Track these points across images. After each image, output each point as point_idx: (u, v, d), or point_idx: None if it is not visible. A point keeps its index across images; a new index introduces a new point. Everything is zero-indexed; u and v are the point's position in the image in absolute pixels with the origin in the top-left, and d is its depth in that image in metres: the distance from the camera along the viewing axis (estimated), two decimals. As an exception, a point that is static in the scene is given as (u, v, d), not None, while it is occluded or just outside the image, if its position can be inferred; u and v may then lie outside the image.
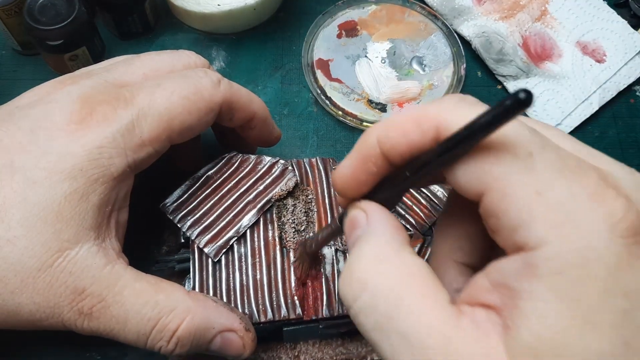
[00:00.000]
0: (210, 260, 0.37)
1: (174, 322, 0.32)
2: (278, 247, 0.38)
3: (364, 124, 0.49)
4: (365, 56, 0.52)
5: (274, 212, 0.39)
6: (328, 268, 0.38)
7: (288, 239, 0.38)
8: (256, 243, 0.38)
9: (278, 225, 0.39)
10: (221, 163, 0.40)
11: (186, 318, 0.32)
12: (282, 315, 0.36)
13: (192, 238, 0.38)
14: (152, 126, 0.33)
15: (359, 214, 0.25)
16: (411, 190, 0.42)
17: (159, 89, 0.34)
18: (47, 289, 0.30)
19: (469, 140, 0.21)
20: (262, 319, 0.36)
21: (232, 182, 0.39)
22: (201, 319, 0.32)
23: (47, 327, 0.32)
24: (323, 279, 0.37)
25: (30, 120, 0.32)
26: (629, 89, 0.54)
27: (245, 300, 0.36)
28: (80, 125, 0.32)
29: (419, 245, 0.39)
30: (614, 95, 0.53)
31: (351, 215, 0.26)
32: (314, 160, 0.43)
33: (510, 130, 0.21)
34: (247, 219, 0.38)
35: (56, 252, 0.30)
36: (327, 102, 0.50)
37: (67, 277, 0.30)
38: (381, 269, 0.23)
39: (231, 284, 0.37)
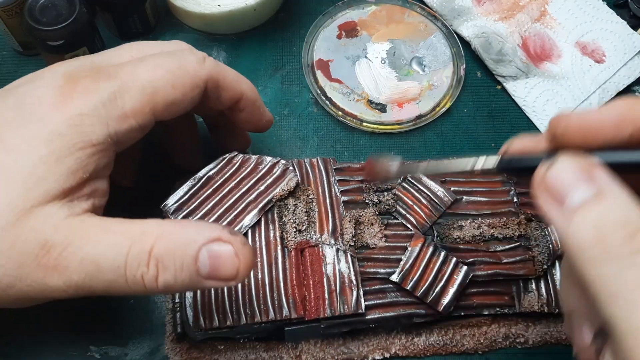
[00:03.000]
0: (211, 260, 0.37)
1: (147, 242, 0.29)
2: (279, 247, 0.38)
3: (364, 124, 0.49)
4: (365, 57, 0.52)
5: (275, 212, 0.39)
6: (329, 268, 0.38)
7: (289, 238, 0.38)
8: (257, 243, 0.38)
9: (279, 225, 0.39)
10: (222, 163, 0.40)
11: (160, 235, 0.30)
12: (283, 315, 0.36)
13: (194, 238, 0.38)
14: (135, 98, 0.33)
15: (584, 167, 0.24)
16: (411, 190, 0.42)
17: (142, 63, 0.34)
18: (11, 249, 0.29)
19: None
20: (264, 319, 0.36)
21: (233, 183, 0.39)
22: (178, 234, 0.30)
23: (20, 297, 0.30)
24: (325, 279, 0.38)
25: (16, 97, 0.32)
26: (629, 89, 0.54)
27: (247, 300, 0.36)
28: (63, 98, 0.32)
29: (419, 245, 0.40)
30: (613, 96, 0.53)
31: (575, 165, 0.25)
32: (314, 160, 0.43)
33: None
34: (248, 219, 0.38)
35: (21, 210, 0.29)
36: (327, 102, 0.50)
37: (29, 234, 0.29)
38: None
39: (233, 284, 0.37)
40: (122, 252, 0.29)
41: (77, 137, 0.31)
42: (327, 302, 0.37)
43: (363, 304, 0.38)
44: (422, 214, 0.41)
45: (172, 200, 0.39)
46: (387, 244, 0.40)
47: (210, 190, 0.39)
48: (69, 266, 0.29)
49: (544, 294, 0.41)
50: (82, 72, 0.33)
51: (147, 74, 0.33)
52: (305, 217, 0.39)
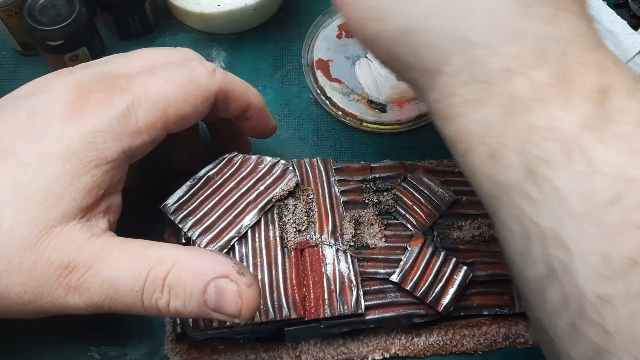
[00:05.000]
0: (211, 260, 0.37)
1: (163, 269, 0.30)
2: (279, 247, 0.38)
3: (364, 124, 0.49)
4: (365, 56, 0.52)
5: (275, 212, 0.39)
6: (329, 268, 0.38)
7: (289, 238, 0.38)
8: (257, 243, 0.38)
9: (279, 225, 0.39)
10: (222, 163, 0.40)
11: (175, 264, 0.31)
12: (283, 315, 0.36)
13: (194, 238, 0.38)
14: (148, 113, 0.33)
15: None
16: (411, 190, 0.42)
17: (154, 77, 0.34)
18: (32, 268, 0.30)
19: None
20: (264, 319, 0.36)
21: (233, 183, 0.39)
22: (191, 264, 0.31)
23: (39, 312, 0.31)
24: (324, 279, 0.38)
25: (26, 109, 0.32)
26: (628, 89, 0.54)
27: (247, 300, 0.36)
28: (76, 113, 0.32)
29: (419, 245, 0.40)
30: (613, 95, 0.53)
31: None
32: (314, 160, 0.43)
33: None
34: (248, 219, 0.38)
35: (42, 231, 0.30)
36: (327, 102, 0.50)
37: (51, 254, 0.30)
38: None
39: (232, 284, 0.37)
40: (141, 279, 0.30)
41: (92, 154, 0.31)
42: (326, 302, 0.37)
43: (363, 304, 0.38)
44: (422, 214, 0.41)
45: (171, 200, 0.39)
46: (387, 244, 0.40)
47: (210, 190, 0.39)
48: (90, 288, 0.30)
49: (544, 294, 0.41)
50: (94, 84, 0.33)
51: (159, 88, 0.33)
52: (305, 217, 0.39)
